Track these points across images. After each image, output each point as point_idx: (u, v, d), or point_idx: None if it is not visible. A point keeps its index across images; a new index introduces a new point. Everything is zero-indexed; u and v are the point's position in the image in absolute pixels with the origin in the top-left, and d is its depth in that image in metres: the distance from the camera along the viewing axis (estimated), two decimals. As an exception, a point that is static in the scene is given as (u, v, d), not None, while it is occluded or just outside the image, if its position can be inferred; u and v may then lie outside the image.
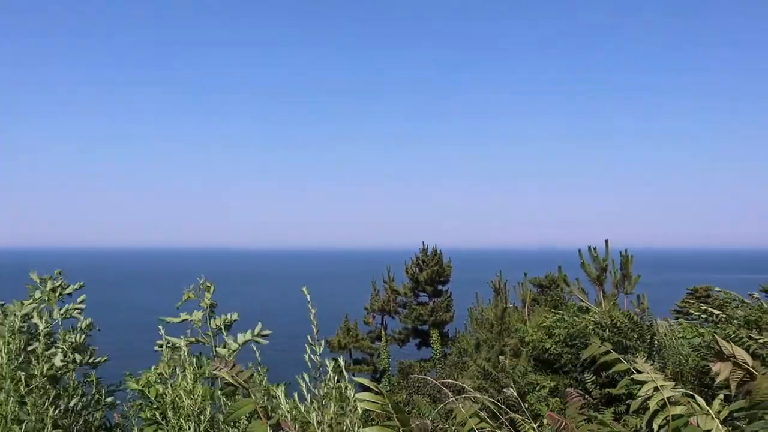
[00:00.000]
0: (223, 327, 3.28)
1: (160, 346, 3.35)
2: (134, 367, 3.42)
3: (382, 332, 22.97)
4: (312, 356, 2.24)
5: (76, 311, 3.53)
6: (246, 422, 2.47)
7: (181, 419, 2.27)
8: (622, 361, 2.26)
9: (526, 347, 9.87)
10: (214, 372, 2.48)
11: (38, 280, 3.48)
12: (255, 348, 2.90)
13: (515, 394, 3.04)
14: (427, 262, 24.65)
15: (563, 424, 2.46)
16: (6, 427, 2.49)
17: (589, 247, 11.64)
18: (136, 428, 3.00)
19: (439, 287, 24.99)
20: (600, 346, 2.29)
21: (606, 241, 11.26)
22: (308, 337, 2.29)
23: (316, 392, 2.15)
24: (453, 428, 3.51)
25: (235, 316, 3.24)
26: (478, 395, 3.56)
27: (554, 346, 8.60)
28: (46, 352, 2.85)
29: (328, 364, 2.22)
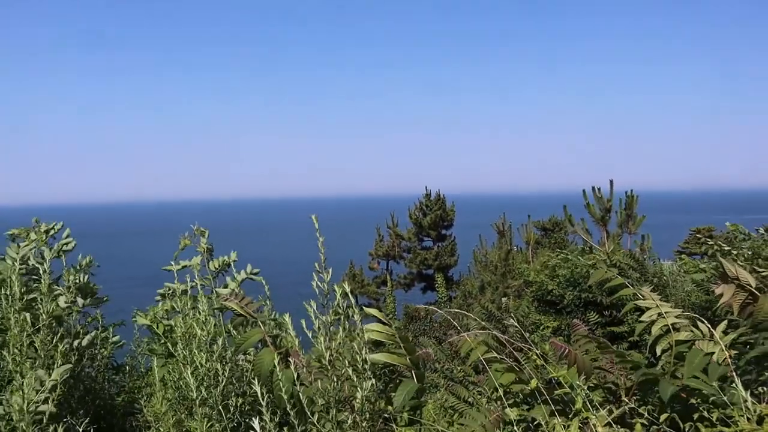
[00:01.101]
0: (219, 268, 3.32)
1: (162, 295, 3.39)
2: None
3: (387, 277, 23.15)
4: (320, 283, 2.25)
5: (65, 245, 3.53)
6: (256, 352, 2.51)
7: (194, 350, 2.30)
8: (628, 286, 2.27)
9: (529, 288, 9.96)
10: (224, 303, 2.51)
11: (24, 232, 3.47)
12: (264, 282, 2.95)
13: (516, 324, 3.06)
14: (431, 207, 24.70)
15: (566, 350, 2.48)
16: (18, 363, 2.54)
17: (593, 188, 11.60)
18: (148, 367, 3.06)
19: (443, 231, 25.09)
20: (606, 271, 2.30)
21: (611, 182, 11.19)
22: (315, 264, 2.30)
23: (324, 319, 2.17)
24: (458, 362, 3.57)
25: (233, 257, 3.28)
26: (481, 331, 3.60)
27: (557, 287, 8.66)
28: (52, 292, 2.87)
29: (336, 289, 2.23)
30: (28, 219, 3.48)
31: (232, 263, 3.24)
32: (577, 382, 2.10)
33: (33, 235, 3.22)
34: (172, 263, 3.15)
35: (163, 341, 2.95)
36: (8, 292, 2.82)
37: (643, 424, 2.04)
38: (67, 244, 3.28)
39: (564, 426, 2.10)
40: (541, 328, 8.89)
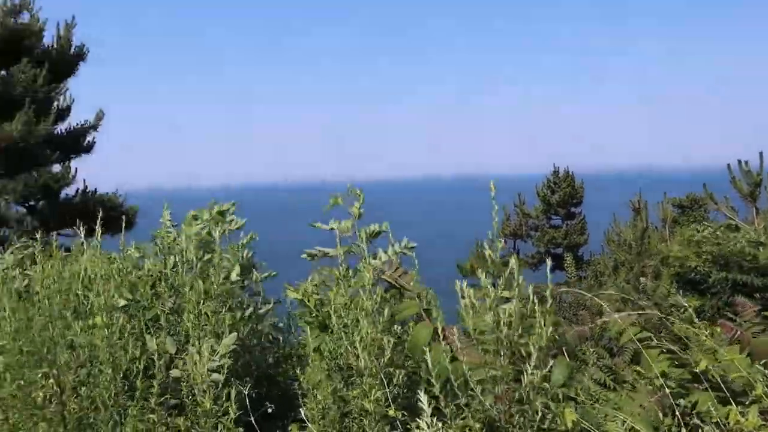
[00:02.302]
0: (370, 236, 3.33)
1: (310, 256, 3.48)
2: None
3: (515, 256, 22.84)
4: (491, 254, 2.26)
5: (233, 224, 3.73)
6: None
7: (360, 319, 2.36)
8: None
9: (667, 268, 9.47)
10: (379, 275, 2.57)
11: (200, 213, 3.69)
12: (414, 256, 2.94)
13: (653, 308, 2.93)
14: (559, 184, 24.09)
15: (738, 333, 2.34)
16: (196, 327, 2.73)
17: (740, 161, 10.77)
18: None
19: (572, 209, 24.43)
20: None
21: (760, 154, 10.32)
22: (488, 233, 2.30)
23: (493, 293, 2.17)
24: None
25: (385, 226, 3.28)
26: (633, 312, 3.47)
27: (701, 264, 8.17)
28: (223, 264, 3.07)
29: (512, 261, 2.23)
30: (225, 198, 3.69)
31: (388, 232, 3.20)
32: (758, 366, 1.98)
33: (207, 215, 3.45)
34: (322, 224, 3.18)
35: (314, 314, 3.07)
36: (186, 259, 3.05)
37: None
38: (235, 222, 3.47)
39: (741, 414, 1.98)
40: (682, 309, 8.42)
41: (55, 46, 18.57)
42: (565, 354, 2.68)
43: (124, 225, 3.70)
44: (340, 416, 2.43)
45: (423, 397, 1.84)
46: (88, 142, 19.07)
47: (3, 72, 17.20)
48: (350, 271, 2.60)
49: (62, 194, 19.46)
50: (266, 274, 3.49)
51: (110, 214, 18.46)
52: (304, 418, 2.53)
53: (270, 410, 2.75)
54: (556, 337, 2.43)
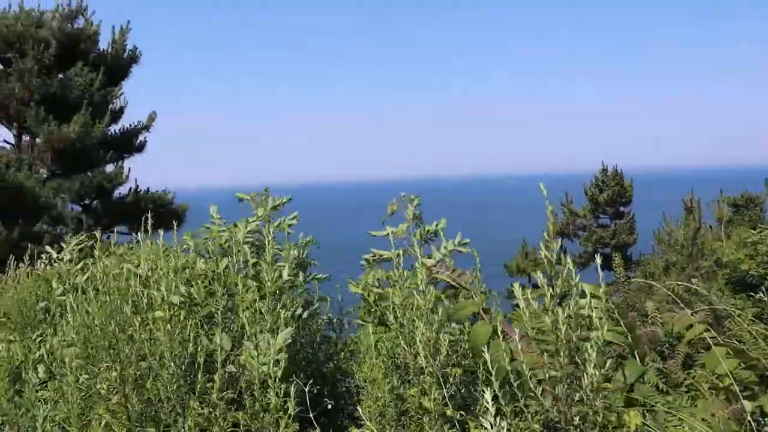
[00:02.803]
0: (425, 236, 3.35)
1: (368, 261, 3.50)
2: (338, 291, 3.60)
3: (561, 255, 22.55)
4: (548, 254, 2.22)
5: (288, 225, 3.77)
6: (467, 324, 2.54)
7: (414, 318, 2.37)
8: None
9: (722, 270, 9.19)
10: (436, 275, 2.55)
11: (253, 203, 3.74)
12: (476, 253, 2.91)
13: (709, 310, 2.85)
14: (607, 183, 23.66)
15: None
16: (252, 323, 2.76)
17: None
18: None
19: (621, 209, 23.97)
20: None
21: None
22: (543, 233, 2.27)
23: (551, 291, 2.13)
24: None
25: (442, 223, 3.28)
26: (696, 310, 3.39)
27: (756, 267, 7.90)
28: (275, 264, 3.10)
29: (567, 260, 2.19)
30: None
31: (441, 231, 3.23)
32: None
33: (261, 210, 3.49)
34: (379, 231, 3.24)
35: (373, 309, 3.08)
36: (238, 258, 3.10)
37: None
38: (291, 219, 3.51)
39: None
40: (737, 314, 8.16)
41: (109, 50, 19.12)
42: (636, 357, 2.61)
43: (175, 222, 3.80)
44: (397, 415, 2.42)
45: (487, 395, 1.81)
46: (140, 142, 19.57)
47: (60, 75, 17.76)
48: (405, 273, 2.61)
49: (115, 193, 20.05)
50: (320, 275, 3.52)
51: (160, 212, 18.93)
52: (361, 416, 2.53)
53: (329, 407, 2.76)
54: (628, 338, 2.37)
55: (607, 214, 23.95)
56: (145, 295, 3.04)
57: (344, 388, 3.29)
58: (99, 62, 18.36)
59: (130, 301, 3.07)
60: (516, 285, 2.37)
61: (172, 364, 2.48)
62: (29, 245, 13.51)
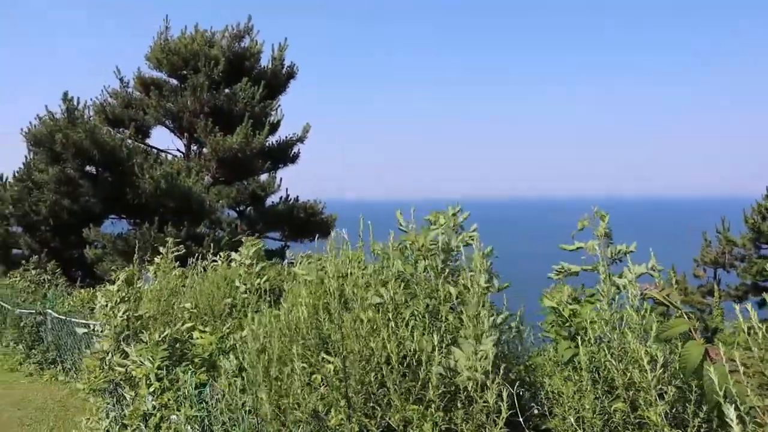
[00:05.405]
0: (616, 255, 3.35)
1: (558, 272, 3.56)
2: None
3: (715, 287, 21.11)
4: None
5: (470, 238, 3.90)
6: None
7: (623, 332, 2.41)
8: None
9: None
10: (645, 291, 2.57)
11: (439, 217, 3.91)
12: (672, 274, 2.90)
13: None
14: (772, 211, 21.89)
15: None
16: (452, 329, 2.91)
17: None
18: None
19: (787, 239, 22.07)
20: None
21: None
22: (694, 259, 2.23)
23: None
24: None
25: (632, 247, 3.28)
26: None
27: None
28: (469, 272, 3.24)
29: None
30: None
31: (627, 252, 3.23)
32: None
33: (442, 220, 3.66)
34: (568, 245, 3.29)
35: (567, 323, 3.12)
36: (434, 266, 3.28)
37: None
38: (472, 232, 3.65)
39: None
40: None
41: (269, 65, 20.41)
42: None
43: (364, 229, 4.04)
44: (602, 427, 2.46)
45: (731, 413, 1.82)
46: (294, 153, 20.66)
47: (227, 90, 19.19)
48: (612, 289, 2.63)
49: (267, 201, 21.29)
50: (505, 284, 3.62)
51: (311, 221, 19.87)
52: (553, 425, 2.59)
53: (536, 411, 2.84)
54: None
55: (770, 244, 22.15)
56: (351, 295, 3.28)
57: (538, 399, 3.36)
58: (260, 77, 19.66)
59: (337, 301, 3.32)
60: (750, 308, 2.34)
61: (383, 360, 2.68)
62: (192, 245, 14.66)
